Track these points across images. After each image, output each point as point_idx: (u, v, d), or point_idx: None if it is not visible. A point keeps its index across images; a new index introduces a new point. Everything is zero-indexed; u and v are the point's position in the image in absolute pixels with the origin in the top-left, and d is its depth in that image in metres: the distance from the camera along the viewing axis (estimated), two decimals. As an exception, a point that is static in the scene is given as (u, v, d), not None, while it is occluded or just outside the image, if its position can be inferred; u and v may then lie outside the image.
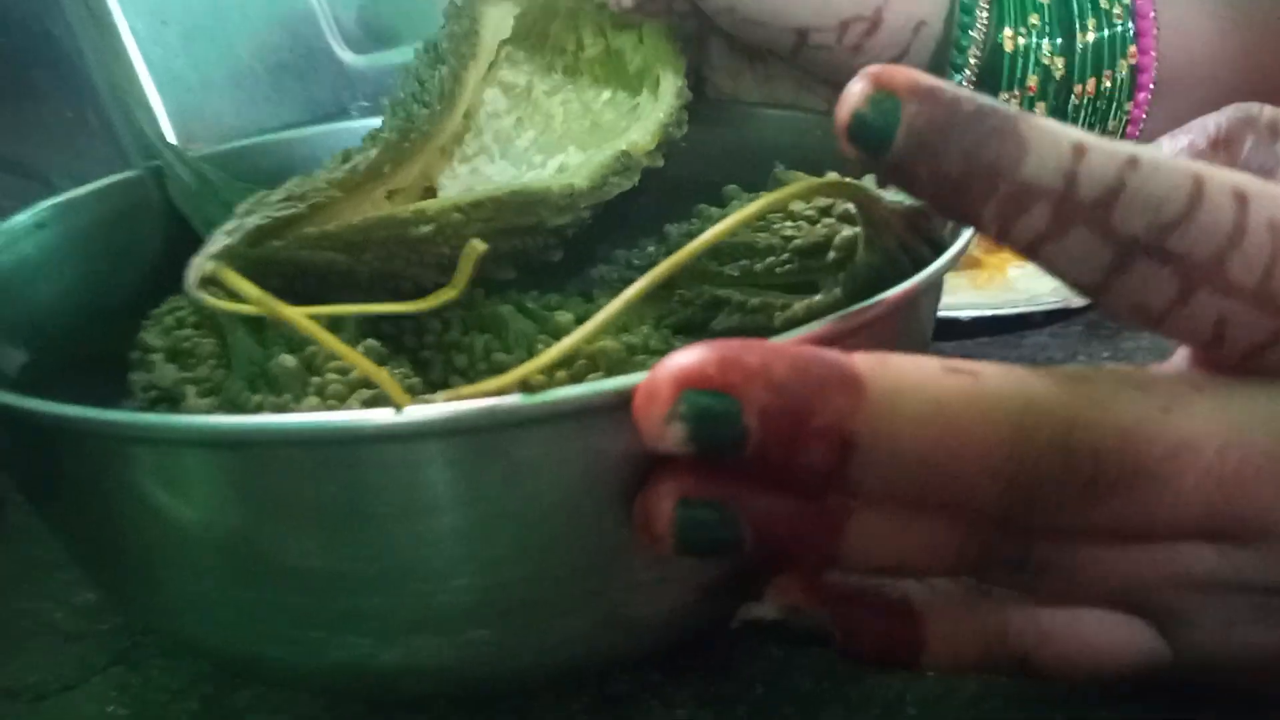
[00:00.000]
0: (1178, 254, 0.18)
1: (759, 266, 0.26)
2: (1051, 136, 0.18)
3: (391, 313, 0.23)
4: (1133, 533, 0.19)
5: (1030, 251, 0.19)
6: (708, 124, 0.35)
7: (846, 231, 0.24)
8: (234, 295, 0.26)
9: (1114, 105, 0.34)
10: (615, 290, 0.32)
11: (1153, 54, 0.32)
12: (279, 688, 0.29)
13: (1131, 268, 0.18)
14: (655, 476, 0.19)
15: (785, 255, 0.26)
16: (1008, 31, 0.32)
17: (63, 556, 0.36)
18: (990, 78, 0.33)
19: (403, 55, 0.38)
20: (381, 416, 0.17)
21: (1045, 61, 0.32)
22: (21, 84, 0.49)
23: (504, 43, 0.31)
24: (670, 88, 0.30)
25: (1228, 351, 0.19)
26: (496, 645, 0.20)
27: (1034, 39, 0.32)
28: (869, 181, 0.23)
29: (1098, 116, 0.34)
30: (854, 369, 0.17)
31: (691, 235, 0.33)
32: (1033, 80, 0.32)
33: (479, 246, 0.20)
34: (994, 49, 0.32)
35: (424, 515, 0.18)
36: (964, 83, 0.33)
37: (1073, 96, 0.33)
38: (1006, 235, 0.18)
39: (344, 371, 0.23)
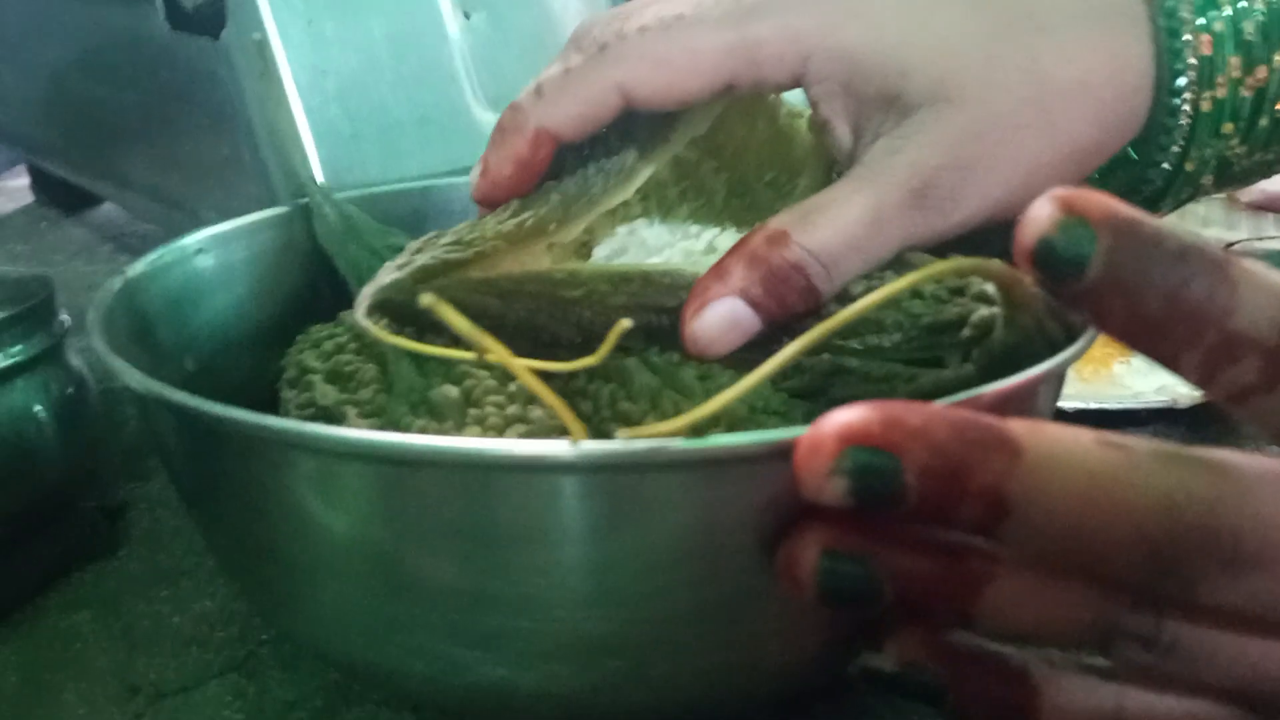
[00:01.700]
0: None
1: (886, 342, 0.27)
2: (1264, 284, 0.17)
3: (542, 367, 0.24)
4: (1263, 619, 0.19)
5: (1235, 402, 0.19)
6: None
7: (984, 311, 0.25)
8: (398, 327, 0.28)
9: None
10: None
11: None
12: (387, 707, 0.30)
13: None
14: (802, 525, 0.19)
15: (913, 332, 0.26)
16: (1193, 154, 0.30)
17: (184, 564, 0.38)
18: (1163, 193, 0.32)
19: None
20: (558, 449, 0.18)
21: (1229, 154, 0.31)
22: (182, 121, 0.53)
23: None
24: (823, 178, 0.31)
25: None
26: (630, 678, 0.21)
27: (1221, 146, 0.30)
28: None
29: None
30: (1012, 433, 0.18)
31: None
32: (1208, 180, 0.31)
33: (625, 324, 0.22)
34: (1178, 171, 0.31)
35: (576, 545, 0.19)
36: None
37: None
38: (1209, 383, 0.18)
39: (501, 406, 0.24)
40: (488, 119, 0.49)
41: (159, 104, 0.55)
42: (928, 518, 0.18)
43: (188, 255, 0.35)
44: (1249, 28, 0.29)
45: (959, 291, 0.26)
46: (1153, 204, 0.32)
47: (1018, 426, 0.18)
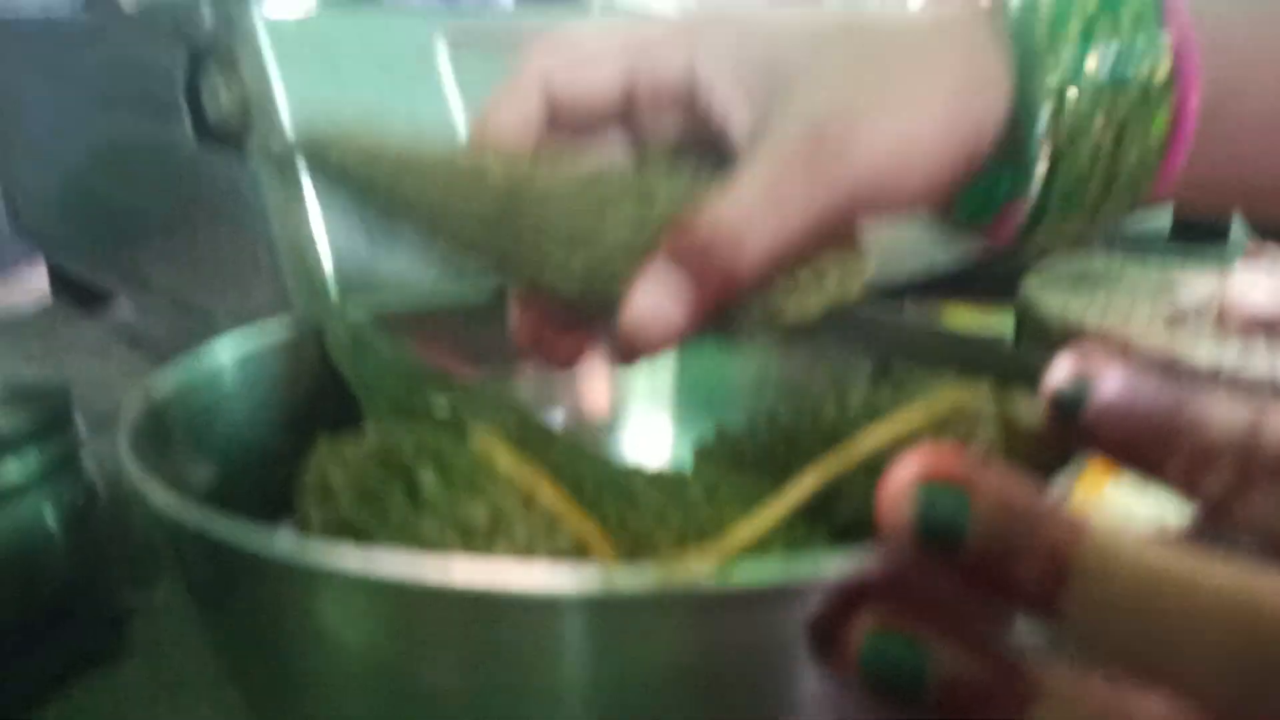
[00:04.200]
0: None
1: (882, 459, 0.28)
2: (1230, 401, 0.19)
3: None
4: None
5: (1221, 508, 0.19)
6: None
7: (980, 436, 0.25)
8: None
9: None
10: (713, 458, 0.34)
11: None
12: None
13: None
14: (852, 604, 0.20)
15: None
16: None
17: (184, 673, 0.37)
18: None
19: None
20: (577, 586, 0.19)
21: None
22: (200, 225, 0.54)
23: None
24: None
25: None
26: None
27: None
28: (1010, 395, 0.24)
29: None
30: (1075, 513, 0.18)
31: (803, 414, 0.34)
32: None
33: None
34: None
35: (586, 676, 0.20)
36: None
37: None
38: (1195, 490, 0.20)
39: (529, 526, 0.25)
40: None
41: (179, 208, 0.56)
42: (986, 571, 0.18)
43: (210, 373, 0.35)
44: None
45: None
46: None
47: (1078, 514, 0.18)
